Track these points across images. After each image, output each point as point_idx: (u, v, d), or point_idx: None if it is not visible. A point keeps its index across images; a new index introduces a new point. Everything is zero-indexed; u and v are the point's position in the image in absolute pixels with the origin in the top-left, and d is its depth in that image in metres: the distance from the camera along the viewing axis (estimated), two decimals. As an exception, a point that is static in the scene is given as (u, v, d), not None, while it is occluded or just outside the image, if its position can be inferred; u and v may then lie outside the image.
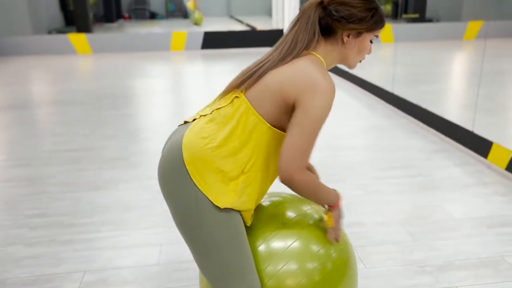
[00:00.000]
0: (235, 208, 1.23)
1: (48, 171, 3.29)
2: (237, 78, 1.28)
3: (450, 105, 4.68)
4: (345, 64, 1.33)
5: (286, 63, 1.24)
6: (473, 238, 2.32)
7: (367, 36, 1.28)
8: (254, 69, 1.26)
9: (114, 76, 7.34)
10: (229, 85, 1.29)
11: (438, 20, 11.68)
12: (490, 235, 2.35)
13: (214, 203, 1.21)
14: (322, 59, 1.27)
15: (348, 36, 1.27)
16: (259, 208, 1.42)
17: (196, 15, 16.54)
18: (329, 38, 1.28)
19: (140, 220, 2.55)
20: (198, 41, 10.66)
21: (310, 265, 1.31)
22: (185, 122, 1.36)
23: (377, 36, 1.31)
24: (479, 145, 3.35)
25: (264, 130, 1.23)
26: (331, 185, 2.99)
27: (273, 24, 13.00)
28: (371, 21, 1.25)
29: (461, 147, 3.58)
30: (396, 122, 4.44)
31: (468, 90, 5.34)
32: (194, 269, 2.10)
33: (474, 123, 3.46)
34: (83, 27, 12.39)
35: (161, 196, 2.84)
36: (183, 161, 1.21)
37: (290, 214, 1.40)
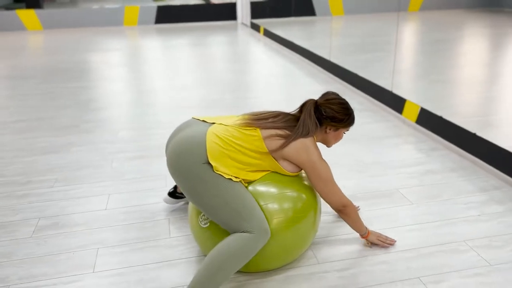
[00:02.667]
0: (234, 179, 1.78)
1: (0, 140, 3.49)
2: (256, 116, 1.89)
3: (379, 71, 5.14)
4: (324, 144, 2.00)
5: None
6: (376, 178, 2.76)
7: (342, 130, 1.96)
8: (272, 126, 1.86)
9: (66, 52, 7.38)
10: (248, 116, 1.89)
11: (384, -7, 12.11)
12: (391, 174, 2.80)
13: (225, 176, 1.75)
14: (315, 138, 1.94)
15: (330, 129, 1.94)
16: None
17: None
18: (320, 126, 1.94)
19: (91, 176, 2.84)
20: (151, 16, 10.67)
21: (286, 205, 1.81)
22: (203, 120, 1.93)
23: (348, 130, 1.99)
24: (396, 103, 3.80)
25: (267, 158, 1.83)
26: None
27: (228, -2, 13.08)
28: (347, 122, 1.93)
29: (384, 107, 4.02)
30: (333, 87, 4.85)
31: (398, 57, 5.81)
32: (138, 211, 2.43)
33: (393, 84, 3.91)
34: (33, 3, 12.07)
35: (111, 157, 3.13)
36: (207, 157, 1.76)
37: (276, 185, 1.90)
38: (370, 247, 2.06)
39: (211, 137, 1.79)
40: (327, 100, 1.91)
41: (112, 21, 10.41)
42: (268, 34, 8.46)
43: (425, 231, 2.19)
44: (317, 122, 1.89)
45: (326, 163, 1.87)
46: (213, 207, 1.73)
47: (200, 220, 1.84)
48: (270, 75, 5.47)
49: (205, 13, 10.92)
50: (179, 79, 5.34)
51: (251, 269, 1.87)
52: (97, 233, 2.24)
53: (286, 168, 1.86)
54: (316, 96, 4.48)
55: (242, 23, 11.18)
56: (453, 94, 4.37)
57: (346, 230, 2.21)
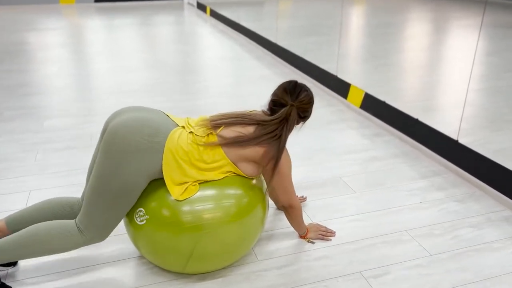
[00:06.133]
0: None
1: None
2: (216, 118, 1.71)
3: (325, 55, 5.08)
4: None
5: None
6: (321, 165, 2.68)
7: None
8: (234, 122, 1.71)
9: (-6, 31, 6.76)
10: (209, 119, 1.72)
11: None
12: (335, 161, 2.73)
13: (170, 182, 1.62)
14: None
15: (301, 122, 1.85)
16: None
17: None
18: None
19: (9, 171, 2.56)
20: (91, -6, 10.07)
21: (227, 202, 1.65)
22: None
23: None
24: (341, 88, 3.75)
25: (227, 165, 1.68)
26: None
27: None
28: (310, 114, 1.85)
29: (330, 92, 3.96)
30: (279, 71, 4.74)
31: (344, 41, 5.79)
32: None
33: (338, 68, 3.85)
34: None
35: (36, 148, 2.84)
36: (164, 147, 1.59)
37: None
38: (313, 243, 1.97)
39: (172, 146, 1.61)
40: (301, 101, 1.75)
41: (47, -2, 9.70)
42: (215, 15, 8.19)
43: (367, 221, 2.14)
44: (295, 126, 1.79)
45: (289, 157, 1.76)
46: (99, 189, 1.57)
47: (136, 216, 1.66)
48: (216, 58, 5.27)
49: (149, -8, 10.44)
50: (120, 62, 5.02)
51: (188, 271, 1.72)
52: (13, 236, 2.00)
53: (246, 171, 1.72)
54: (265, 81, 4.35)
55: (188, 3, 10.80)
56: (397, 78, 4.39)
57: (286, 223, 2.11)
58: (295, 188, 2.41)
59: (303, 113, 1.77)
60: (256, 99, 3.83)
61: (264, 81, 4.35)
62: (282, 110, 1.72)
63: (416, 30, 6.94)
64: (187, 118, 1.79)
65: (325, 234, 2.00)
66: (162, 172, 1.61)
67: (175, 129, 1.66)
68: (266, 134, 1.68)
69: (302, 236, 1.98)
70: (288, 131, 1.72)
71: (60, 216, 1.75)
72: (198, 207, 1.62)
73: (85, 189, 1.77)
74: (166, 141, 1.60)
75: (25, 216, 1.72)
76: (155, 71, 4.68)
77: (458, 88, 4.05)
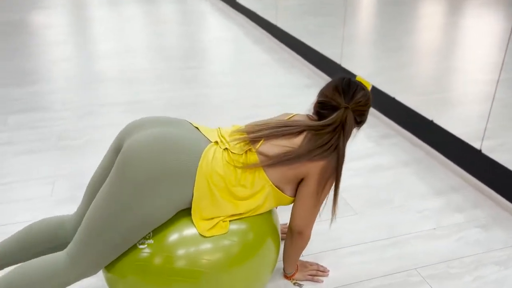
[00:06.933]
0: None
1: None
2: (253, 129, 1.37)
3: (329, 39, 4.62)
4: None
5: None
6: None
7: None
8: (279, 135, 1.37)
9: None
10: (245, 130, 1.38)
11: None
12: (335, 171, 2.34)
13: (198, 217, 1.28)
14: None
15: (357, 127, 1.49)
16: None
17: None
18: None
19: (-43, 180, 2.22)
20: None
21: (227, 241, 1.29)
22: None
23: None
24: (347, 79, 3.32)
25: (269, 190, 1.35)
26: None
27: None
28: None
29: (333, 81, 3.53)
30: (280, 57, 4.30)
31: (349, 23, 5.30)
32: (1, 233, 1.86)
33: (342, 55, 3.41)
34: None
35: (-9, 151, 2.49)
36: (196, 173, 1.25)
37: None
38: (300, 286, 1.60)
39: (206, 171, 1.27)
40: (357, 103, 1.39)
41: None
42: (216, -8, 7.67)
43: (368, 254, 1.76)
44: (353, 133, 1.44)
45: (332, 185, 1.42)
46: (107, 223, 1.22)
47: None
48: (213, 41, 4.83)
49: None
50: (103, 44, 4.60)
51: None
52: None
53: (293, 194, 1.41)
54: (259, 67, 3.92)
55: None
56: (410, 65, 3.93)
57: (271, 256, 1.74)
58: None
59: (360, 117, 1.43)
60: (246, 89, 3.42)
61: (260, 68, 3.92)
62: (336, 114, 1.36)
63: (432, 8, 6.39)
64: (219, 128, 1.42)
65: (315, 274, 1.63)
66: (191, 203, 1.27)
67: (208, 146, 1.30)
68: (320, 147, 1.33)
69: (287, 276, 1.61)
70: (345, 140, 1.38)
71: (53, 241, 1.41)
72: (192, 249, 1.25)
73: (79, 207, 1.42)
74: (199, 164, 1.24)
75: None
76: (140, 55, 4.27)
77: (483, 78, 3.59)
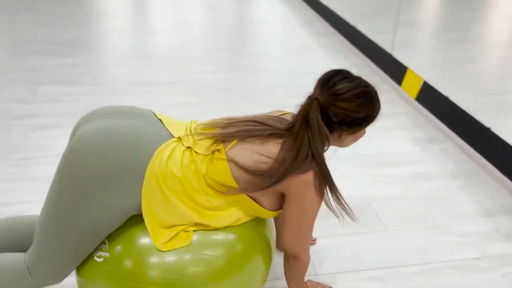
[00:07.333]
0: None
1: None
2: (225, 124, 1.17)
3: (384, 23, 4.23)
4: (339, 146, 1.26)
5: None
6: (347, 179, 2.04)
7: (364, 129, 1.22)
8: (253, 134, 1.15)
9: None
10: (218, 123, 1.18)
11: None
12: (368, 175, 2.08)
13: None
14: None
15: (347, 134, 1.19)
16: None
17: None
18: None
19: (-25, 151, 2.18)
20: None
21: (210, 254, 1.13)
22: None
23: None
24: (395, 70, 2.98)
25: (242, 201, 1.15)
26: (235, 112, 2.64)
27: None
28: (373, 117, 1.18)
29: (381, 73, 3.20)
30: (326, 41, 3.99)
31: (405, 5, 4.83)
32: None
33: (394, 43, 3.06)
34: None
35: (15, 124, 2.45)
36: (146, 170, 1.07)
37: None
38: None
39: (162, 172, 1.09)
40: (334, 95, 1.11)
41: None
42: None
43: (392, 281, 1.51)
44: (327, 134, 1.14)
45: (321, 200, 1.17)
46: (55, 226, 1.09)
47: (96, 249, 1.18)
48: (258, 20, 4.59)
49: None
50: (151, 19, 4.49)
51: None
52: None
53: (268, 205, 1.18)
54: (304, 52, 3.65)
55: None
56: (473, 60, 3.50)
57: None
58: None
59: (338, 115, 1.12)
60: (288, 76, 3.17)
61: (305, 53, 3.65)
62: (300, 108, 1.14)
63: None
64: (192, 122, 1.24)
65: None
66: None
67: (166, 143, 1.12)
68: (295, 159, 1.10)
69: None
70: (315, 140, 1.11)
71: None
72: (170, 258, 1.10)
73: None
74: (149, 163, 1.07)
75: None
76: (196, 33, 4.12)
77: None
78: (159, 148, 1.10)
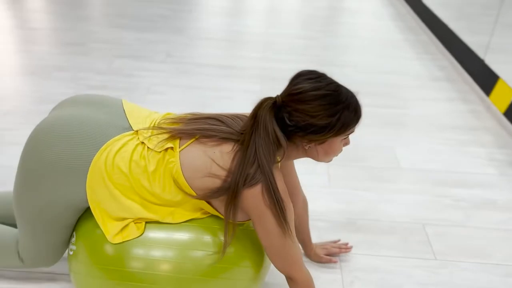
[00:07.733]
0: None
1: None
2: (184, 120, 1.11)
3: (476, 24, 3.77)
4: (315, 160, 1.11)
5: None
6: (400, 196, 1.85)
7: (335, 140, 1.05)
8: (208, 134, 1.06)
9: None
10: (177, 119, 1.11)
11: None
12: (427, 194, 1.86)
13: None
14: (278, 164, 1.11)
15: (307, 144, 1.05)
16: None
17: None
18: (288, 141, 1.05)
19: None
20: None
21: (198, 252, 1.08)
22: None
23: (351, 132, 1.06)
24: (485, 79, 2.64)
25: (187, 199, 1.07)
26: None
27: None
28: (337, 127, 1.01)
29: (469, 80, 2.86)
30: (414, 39, 3.68)
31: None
32: None
33: (488, 47, 2.70)
34: None
35: (81, 91, 2.57)
36: (91, 163, 1.05)
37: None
38: None
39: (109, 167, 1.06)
40: (291, 94, 1.00)
41: None
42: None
43: (430, 320, 1.33)
44: (278, 137, 1.02)
45: (287, 205, 1.04)
46: (17, 208, 1.15)
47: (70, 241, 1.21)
48: (343, 10, 4.37)
49: None
50: (220, 0, 4.48)
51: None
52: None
53: (217, 205, 1.11)
54: (390, 48, 3.39)
55: None
56: None
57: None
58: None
59: (292, 117, 1.00)
60: (372, 72, 2.96)
61: (391, 49, 3.39)
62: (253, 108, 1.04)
63: None
64: (164, 114, 1.19)
65: (338, 251, 1.48)
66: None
67: (119, 136, 1.08)
68: (240, 167, 1.00)
69: None
70: (258, 143, 0.99)
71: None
72: (154, 251, 1.06)
73: None
74: (95, 156, 1.06)
75: None
76: (268, 17, 4.04)
77: None
78: (110, 141, 1.06)
